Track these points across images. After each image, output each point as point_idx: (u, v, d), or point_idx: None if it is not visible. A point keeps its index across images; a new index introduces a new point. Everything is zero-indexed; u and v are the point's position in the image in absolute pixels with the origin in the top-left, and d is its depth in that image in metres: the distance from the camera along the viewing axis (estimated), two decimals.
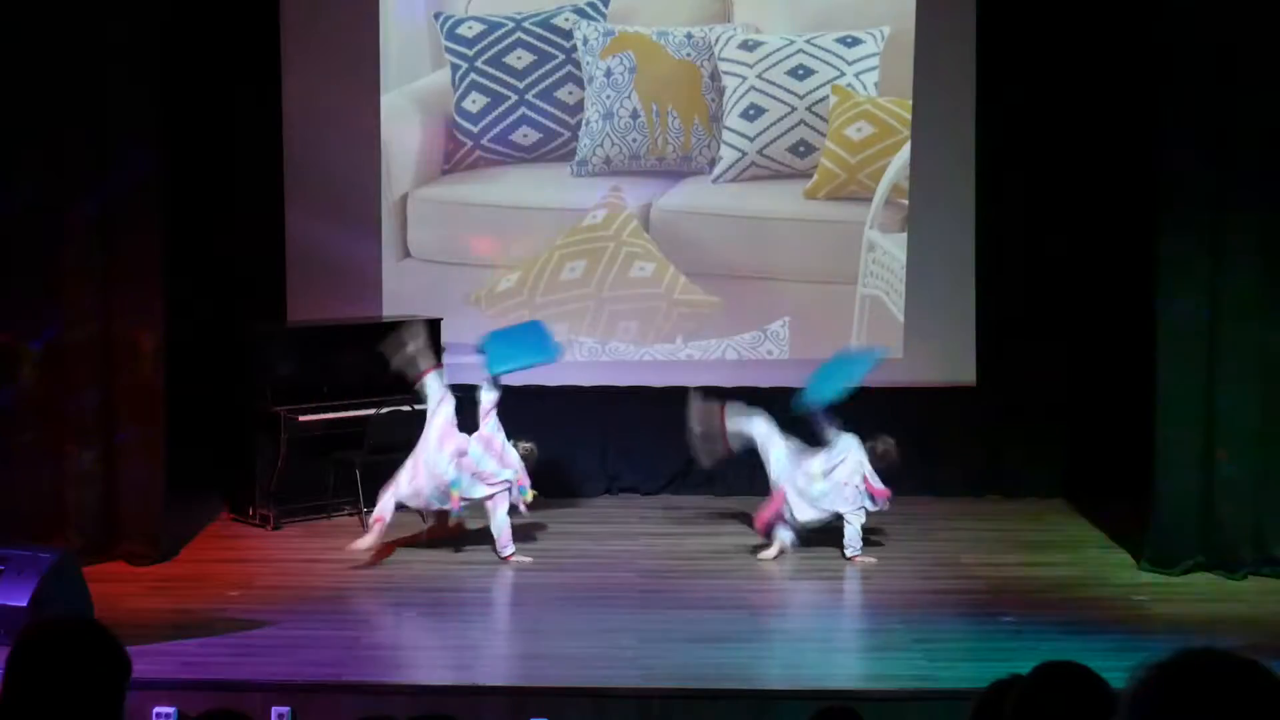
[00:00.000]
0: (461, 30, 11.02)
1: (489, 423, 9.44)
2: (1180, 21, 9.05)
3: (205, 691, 6.91)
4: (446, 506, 9.38)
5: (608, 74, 11.06)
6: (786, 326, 11.23)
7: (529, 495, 9.40)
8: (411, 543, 9.62)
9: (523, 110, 11.09)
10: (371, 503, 10.22)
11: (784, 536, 9.57)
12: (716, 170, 11.15)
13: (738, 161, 11.13)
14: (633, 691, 7.16)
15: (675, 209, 11.20)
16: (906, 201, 11.13)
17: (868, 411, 11.05)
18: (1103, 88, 10.85)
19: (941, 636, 8.16)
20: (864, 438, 9.77)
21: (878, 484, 9.47)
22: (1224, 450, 9.20)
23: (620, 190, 11.15)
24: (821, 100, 11.09)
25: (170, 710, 6.80)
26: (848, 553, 9.49)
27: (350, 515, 10.33)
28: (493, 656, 7.83)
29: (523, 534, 9.68)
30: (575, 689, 7.19)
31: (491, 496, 9.35)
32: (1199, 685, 2.18)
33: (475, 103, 11.08)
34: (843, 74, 11.07)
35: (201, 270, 10.79)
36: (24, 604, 7.35)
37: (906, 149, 11.07)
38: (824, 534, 9.74)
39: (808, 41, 11.07)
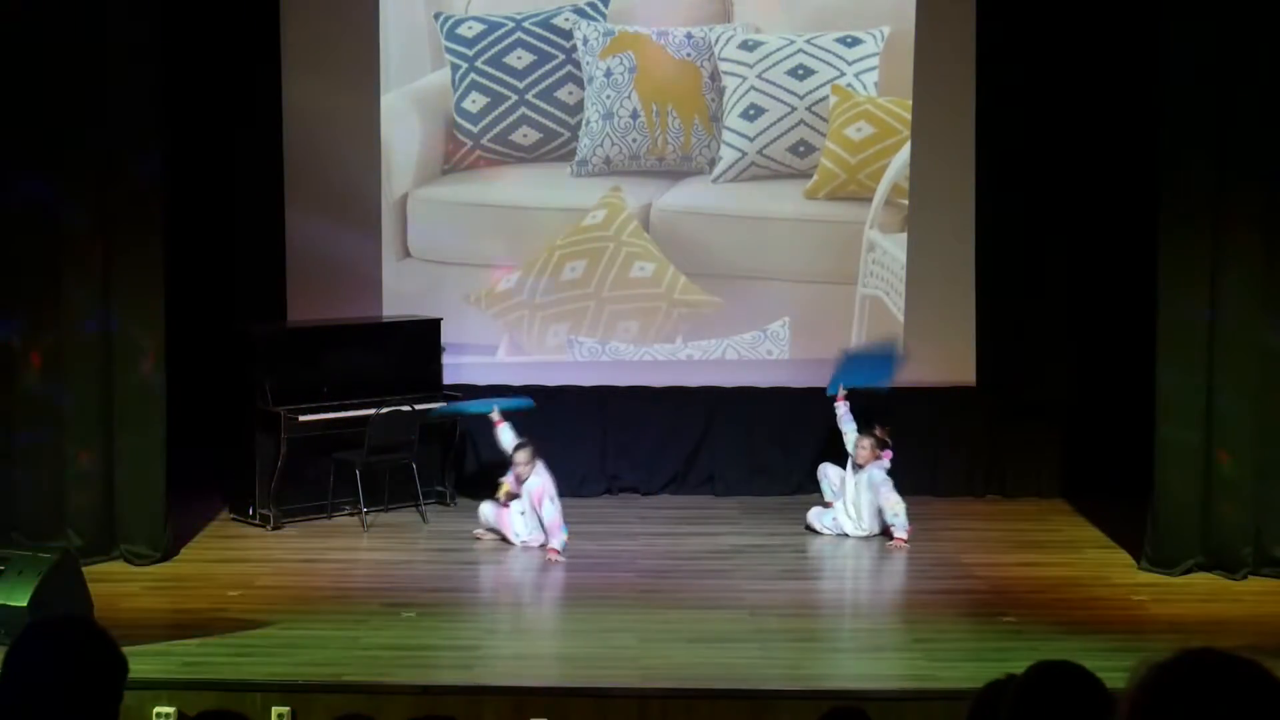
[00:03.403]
0: (461, 30, 11.02)
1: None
2: (1181, 21, 9.05)
3: (205, 691, 6.91)
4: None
5: (608, 74, 11.06)
6: (786, 326, 11.23)
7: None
8: None
9: (523, 110, 11.09)
10: (371, 503, 10.24)
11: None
12: (716, 170, 11.15)
13: (738, 161, 11.13)
14: (633, 691, 7.15)
15: (675, 209, 11.20)
16: (906, 201, 11.13)
17: (869, 412, 11.10)
18: (1103, 87, 10.85)
19: (941, 636, 8.16)
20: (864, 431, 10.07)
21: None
22: (1227, 454, 9.19)
23: (620, 190, 11.15)
24: (821, 100, 11.08)
25: (170, 710, 6.80)
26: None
27: (350, 515, 10.34)
28: (493, 656, 7.82)
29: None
30: (575, 689, 7.19)
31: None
32: (1199, 685, 2.18)
33: (475, 103, 11.08)
34: (843, 74, 11.06)
35: (201, 270, 10.80)
36: (24, 604, 7.35)
37: (906, 149, 11.07)
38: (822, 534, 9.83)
39: (808, 41, 11.07)
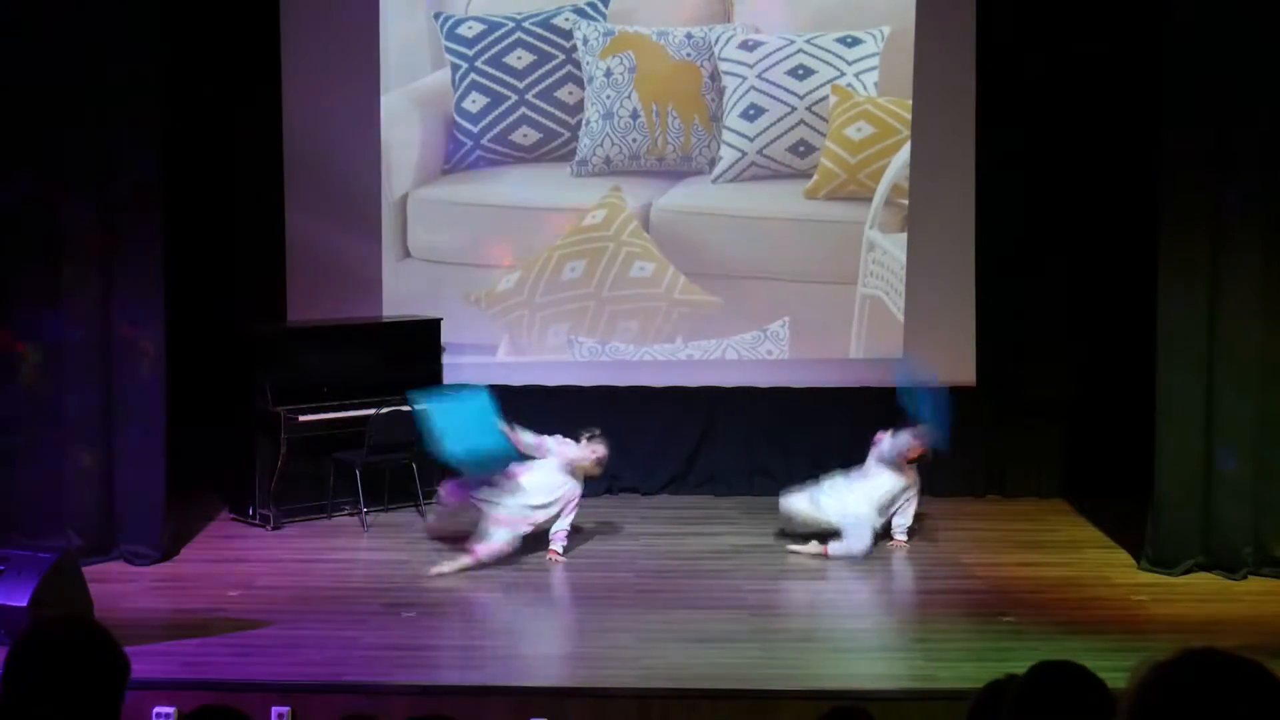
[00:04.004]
0: (461, 30, 11.02)
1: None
2: (1181, 21, 9.05)
3: (205, 691, 6.90)
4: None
5: (608, 74, 11.07)
6: (786, 326, 11.23)
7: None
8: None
9: (523, 110, 11.09)
10: (371, 502, 10.24)
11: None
12: (716, 170, 11.15)
13: (738, 161, 11.13)
14: (633, 691, 7.15)
15: (675, 209, 11.20)
16: (906, 201, 11.13)
17: (869, 412, 11.09)
18: (1104, 87, 10.85)
19: (941, 636, 8.16)
20: (870, 445, 9.89)
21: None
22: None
23: (620, 190, 11.16)
24: (821, 100, 11.09)
25: (170, 710, 6.80)
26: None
27: (350, 515, 10.34)
28: (493, 656, 7.82)
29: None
30: (575, 689, 7.20)
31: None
32: (1199, 685, 2.18)
33: (475, 103, 11.08)
34: (843, 74, 11.07)
35: (201, 270, 10.80)
36: (24, 604, 7.35)
37: (906, 149, 11.07)
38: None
39: (808, 41, 11.07)
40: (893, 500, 9.77)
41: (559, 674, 7.53)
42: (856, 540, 9.51)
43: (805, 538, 9.71)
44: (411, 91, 11.14)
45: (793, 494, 9.82)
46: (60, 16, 8.88)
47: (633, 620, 8.32)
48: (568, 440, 9.52)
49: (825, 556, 9.53)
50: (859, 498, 9.64)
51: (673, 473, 11.32)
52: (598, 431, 9.56)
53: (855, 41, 11.05)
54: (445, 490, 9.52)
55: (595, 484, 11.16)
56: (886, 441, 9.74)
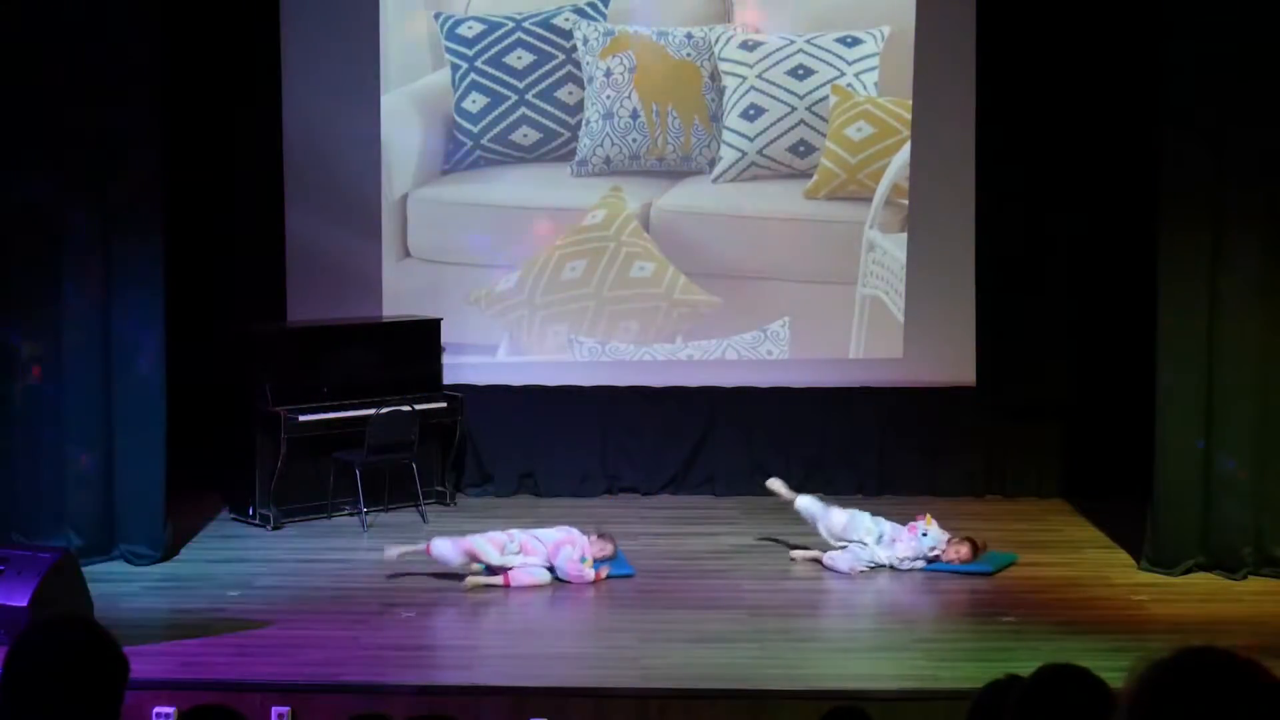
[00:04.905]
0: (461, 30, 11.02)
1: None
2: (1181, 20, 9.05)
3: (205, 691, 6.91)
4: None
5: (608, 74, 11.06)
6: (786, 326, 11.23)
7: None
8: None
9: (523, 110, 11.09)
10: (371, 503, 10.24)
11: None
12: (716, 170, 11.15)
13: (738, 161, 11.13)
14: (633, 691, 7.16)
15: (675, 209, 11.20)
16: (906, 201, 11.12)
17: (870, 413, 11.10)
18: (1103, 88, 10.85)
19: (941, 636, 8.17)
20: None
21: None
22: (1244, 470, 9.17)
23: (620, 190, 11.15)
24: (821, 100, 11.08)
25: (170, 710, 6.80)
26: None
27: (350, 515, 10.34)
28: (493, 656, 7.82)
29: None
30: (575, 689, 7.20)
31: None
32: (1199, 685, 2.18)
33: (475, 103, 11.08)
34: (843, 74, 11.06)
35: (201, 270, 10.79)
36: (24, 604, 7.35)
37: (906, 149, 11.06)
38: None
39: (808, 41, 11.07)
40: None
41: (559, 674, 7.53)
42: (852, 561, 9.27)
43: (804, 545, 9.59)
44: (411, 91, 11.14)
45: (834, 506, 9.48)
46: (61, 17, 8.88)
47: (633, 620, 8.32)
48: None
49: (819, 562, 9.41)
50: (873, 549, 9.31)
51: (673, 473, 11.31)
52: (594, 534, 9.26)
53: (855, 41, 11.05)
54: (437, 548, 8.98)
55: (596, 484, 11.20)
56: (924, 536, 9.32)
